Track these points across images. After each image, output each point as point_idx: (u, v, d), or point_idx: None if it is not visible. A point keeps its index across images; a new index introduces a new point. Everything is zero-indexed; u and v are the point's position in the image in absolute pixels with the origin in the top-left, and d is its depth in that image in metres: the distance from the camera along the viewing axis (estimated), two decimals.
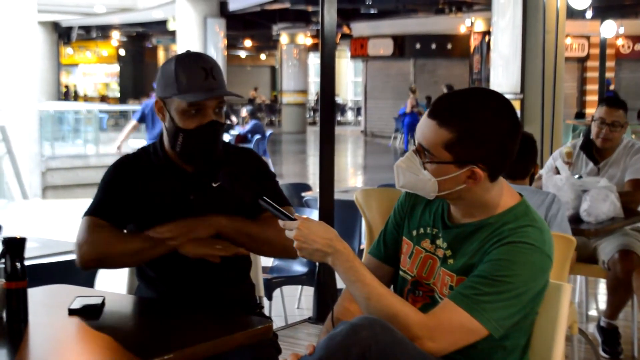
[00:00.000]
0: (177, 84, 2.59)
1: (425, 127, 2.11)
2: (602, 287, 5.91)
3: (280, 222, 2.17)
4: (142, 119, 10.78)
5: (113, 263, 2.62)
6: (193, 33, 20.11)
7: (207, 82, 2.59)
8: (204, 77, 2.59)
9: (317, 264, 4.95)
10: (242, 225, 2.61)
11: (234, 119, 19.63)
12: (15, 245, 2.28)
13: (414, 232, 2.29)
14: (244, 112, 20.24)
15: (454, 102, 2.11)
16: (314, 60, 35.37)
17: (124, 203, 2.63)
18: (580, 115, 19.98)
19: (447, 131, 2.07)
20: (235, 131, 16.89)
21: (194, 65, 2.61)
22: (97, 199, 2.68)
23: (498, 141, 2.08)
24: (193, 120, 2.60)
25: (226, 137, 15.58)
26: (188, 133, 2.61)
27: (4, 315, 2.28)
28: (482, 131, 2.06)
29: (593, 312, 5.59)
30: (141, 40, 37.84)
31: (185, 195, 2.67)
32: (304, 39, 30.12)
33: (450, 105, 2.10)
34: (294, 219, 2.14)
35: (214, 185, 2.65)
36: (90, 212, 2.65)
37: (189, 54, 2.68)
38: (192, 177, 2.69)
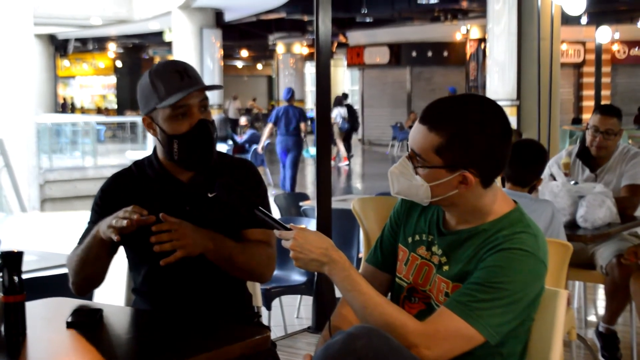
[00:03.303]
0: (156, 93, 2.60)
1: (416, 132, 2.13)
2: (600, 292, 5.91)
3: (276, 232, 2.18)
4: (275, 122, 13.03)
5: (83, 271, 2.62)
6: (189, 44, 20.13)
7: (184, 82, 2.60)
8: (179, 79, 2.60)
9: (316, 273, 4.95)
10: (226, 252, 2.60)
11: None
12: (13, 259, 2.28)
13: (410, 239, 2.30)
14: (242, 120, 20.30)
15: (443, 107, 2.14)
16: (311, 70, 35.37)
17: None
18: (577, 121, 20.02)
19: (436, 136, 2.09)
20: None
21: (167, 71, 2.62)
22: (86, 227, 2.70)
23: (487, 145, 2.09)
24: (182, 124, 2.60)
25: (224, 147, 15.65)
26: (182, 137, 2.61)
27: (2, 328, 2.28)
28: (471, 135, 2.08)
29: (592, 318, 5.59)
30: (138, 51, 37.88)
31: (181, 206, 2.67)
32: (300, 48, 30.19)
33: (439, 111, 2.13)
34: (290, 229, 2.15)
35: (209, 195, 2.65)
36: (79, 241, 2.68)
37: (159, 64, 2.69)
38: (187, 188, 2.69)
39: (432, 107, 2.15)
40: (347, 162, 19.47)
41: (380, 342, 1.96)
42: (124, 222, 2.41)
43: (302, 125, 13.06)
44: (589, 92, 23.84)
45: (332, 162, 19.79)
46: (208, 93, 2.71)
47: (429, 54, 25.83)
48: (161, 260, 2.47)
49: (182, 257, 2.48)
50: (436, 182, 2.12)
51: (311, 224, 5.14)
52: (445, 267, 2.19)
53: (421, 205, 2.29)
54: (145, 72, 2.68)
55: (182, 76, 2.60)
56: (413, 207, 2.33)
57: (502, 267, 2.06)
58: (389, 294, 2.35)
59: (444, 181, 2.11)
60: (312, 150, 13.82)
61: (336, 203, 5.73)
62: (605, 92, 23.02)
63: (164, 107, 2.58)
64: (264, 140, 14.30)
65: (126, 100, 38.17)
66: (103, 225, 2.50)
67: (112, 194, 2.71)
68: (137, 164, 2.79)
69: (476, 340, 2.06)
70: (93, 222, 2.69)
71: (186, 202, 2.68)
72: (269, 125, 13.48)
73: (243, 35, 28.36)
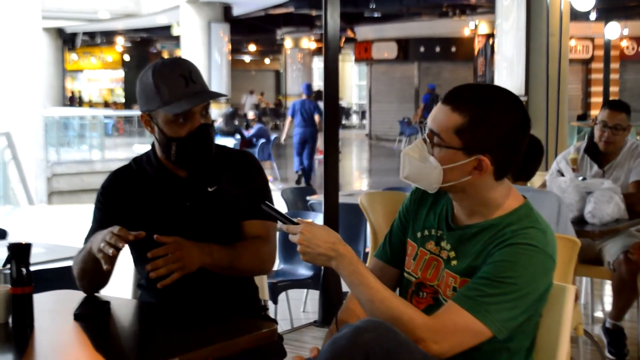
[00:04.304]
0: (160, 96, 2.56)
1: (438, 111, 2.14)
2: (607, 288, 5.90)
3: (283, 227, 2.17)
4: (293, 115, 14.38)
5: (86, 277, 2.62)
6: (197, 38, 20.14)
7: (189, 89, 2.57)
8: (184, 85, 2.56)
9: (323, 267, 4.95)
10: (224, 262, 2.60)
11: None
12: (21, 251, 2.29)
13: (419, 234, 2.30)
14: (250, 114, 20.37)
15: (468, 90, 2.15)
16: (318, 64, 35.37)
17: (117, 221, 2.56)
18: (583, 117, 19.93)
19: (459, 116, 2.09)
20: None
21: (172, 73, 2.58)
22: (91, 225, 2.70)
23: (507, 133, 2.10)
24: (183, 128, 2.58)
25: (231, 142, 15.68)
26: (181, 141, 2.59)
27: (10, 320, 2.30)
28: (493, 120, 2.09)
29: (599, 314, 5.59)
30: (145, 45, 37.89)
31: (181, 202, 2.66)
32: (308, 43, 30.16)
33: (464, 92, 2.14)
34: (297, 223, 2.14)
35: (209, 189, 2.65)
36: (85, 240, 2.68)
37: (164, 63, 2.63)
38: (187, 183, 2.69)
39: (457, 89, 2.16)
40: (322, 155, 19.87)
41: (388, 336, 1.96)
42: (110, 252, 2.39)
43: (317, 117, 14.02)
44: (597, 89, 23.76)
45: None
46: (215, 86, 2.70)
47: (437, 49, 25.77)
48: (158, 283, 2.46)
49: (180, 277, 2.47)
50: (451, 164, 2.11)
51: (318, 218, 5.14)
52: (454, 262, 2.18)
53: (430, 200, 2.29)
54: (147, 67, 2.63)
55: (187, 81, 2.57)
56: (422, 202, 2.32)
57: (510, 262, 2.06)
58: (397, 289, 2.34)
59: (459, 165, 2.11)
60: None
61: (343, 198, 5.73)
62: (613, 89, 22.92)
63: (168, 112, 2.57)
64: (285, 133, 15.48)
65: (134, 94, 38.06)
66: (95, 243, 2.47)
67: (113, 191, 2.71)
68: (136, 160, 2.78)
69: (484, 335, 2.05)
70: (97, 219, 2.70)
71: (186, 198, 2.67)
72: (289, 119, 14.69)
73: (251, 30, 28.34)
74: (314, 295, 5.54)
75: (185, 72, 2.59)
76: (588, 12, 15.73)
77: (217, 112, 18.63)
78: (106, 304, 2.46)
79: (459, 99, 2.12)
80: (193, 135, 2.59)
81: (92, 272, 2.58)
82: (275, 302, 4.81)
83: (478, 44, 22.78)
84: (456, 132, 2.10)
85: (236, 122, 19.03)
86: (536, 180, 5.60)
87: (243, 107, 30.02)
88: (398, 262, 2.35)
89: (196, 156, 2.63)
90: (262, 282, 3.01)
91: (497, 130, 2.09)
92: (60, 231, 9.33)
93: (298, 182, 14.42)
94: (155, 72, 2.59)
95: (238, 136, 16.95)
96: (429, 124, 2.16)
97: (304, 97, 14.60)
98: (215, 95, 2.66)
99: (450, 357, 2.07)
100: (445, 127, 2.11)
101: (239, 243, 2.65)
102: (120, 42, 35.71)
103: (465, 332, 2.05)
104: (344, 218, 5.43)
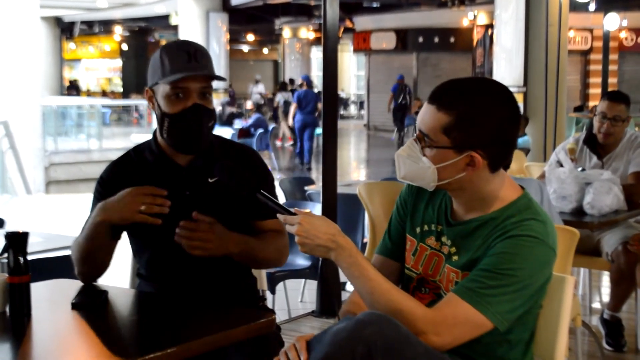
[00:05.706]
0: (162, 68, 2.61)
1: (424, 112, 2.12)
2: (605, 279, 5.90)
3: (281, 217, 2.15)
4: (298, 102, 16.00)
5: (87, 260, 2.62)
6: (195, 27, 20.11)
7: (190, 64, 2.59)
8: (186, 60, 2.59)
9: (320, 257, 4.94)
10: (252, 256, 2.64)
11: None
12: (18, 240, 2.28)
13: (418, 230, 2.28)
14: (248, 104, 20.44)
15: (453, 87, 2.12)
16: (317, 54, 35.29)
17: None
18: (579, 108, 19.90)
19: (445, 115, 2.07)
20: (238, 125, 17.05)
21: (178, 49, 2.63)
22: (89, 215, 2.69)
23: (496, 127, 2.08)
24: (178, 105, 2.60)
25: (229, 132, 15.68)
26: (172, 117, 2.60)
27: (7, 309, 2.29)
28: (480, 115, 2.07)
29: (596, 305, 5.59)
30: (144, 35, 37.80)
31: (181, 191, 2.65)
32: (307, 32, 30.10)
33: (449, 90, 2.11)
34: (294, 214, 2.12)
35: (210, 180, 2.64)
36: (82, 230, 2.67)
37: (175, 42, 2.70)
38: (187, 173, 2.68)
39: (442, 87, 2.14)
40: (291, 142, 20.17)
41: (390, 329, 1.95)
42: (156, 209, 2.46)
43: (319, 105, 14.93)
44: (595, 80, 23.72)
45: (279, 143, 20.43)
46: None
47: (436, 39, 25.74)
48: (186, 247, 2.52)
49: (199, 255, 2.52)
50: (443, 163, 2.10)
51: (316, 209, 5.13)
52: (455, 257, 2.17)
53: (428, 193, 2.27)
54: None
55: (190, 58, 2.60)
56: (419, 196, 2.31)
57: (510, 253, 2.05)
58: (400, 284, 2.32)
59: (451, 163, 2.10)
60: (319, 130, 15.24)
61: (341, 188, 5.73)
62: (612, 80, 22.90)
63: (165, 83, 2.59)
64: (291, 117, 16.93)
65: (132, 84, 38.12)
66: (115, 213, 2.50)
67: (112, 182, 2.70)
68: (136, 149, 2.79)
69: (485, 326, 2.04)
70: (92, 209, 2.68)
71: (186, 187, 2.67)
72: (294, 105, 16.39)
73: (249, 20, 28.28)
74: (312, 285, 5.54)
75: (191, 49, 2.63)
76: (587, 3, 15.72)
77: (216, 102, 18.64)
78: (104, 293, 2.45)
79: (443, 97, 2.10)
80: (185, 113, 2.60)
81: (97, 249, 2.58)
82: (273, 292, 4.81)
83: (477, 35, 22.74)
84: (444, 131, 2.08)
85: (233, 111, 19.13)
86: (535, 171, 5.60)
87: (250, 96, 29.96)
88: (399, 255, 2.33)
89: (186, 135, 2.62)
90: (260, 273, 3.01)
91: (485, 126, 2.07)
92: (57, 220, 9.32)
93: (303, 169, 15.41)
94: (164, 48, 2.65)
95: (236, 126, 17.00)
96: (418, 124, 2.14)
97: (305, 87, 16.31)
98: (213, 76, 2.65)
99: (450, 349, 2.06)
100: (432, 127, 2.09)
101: (266, 236, 2.69)
102: (118, 31, 35.62)
103: (466, 324, 2.04)
104: (342, 208, 5.43)
